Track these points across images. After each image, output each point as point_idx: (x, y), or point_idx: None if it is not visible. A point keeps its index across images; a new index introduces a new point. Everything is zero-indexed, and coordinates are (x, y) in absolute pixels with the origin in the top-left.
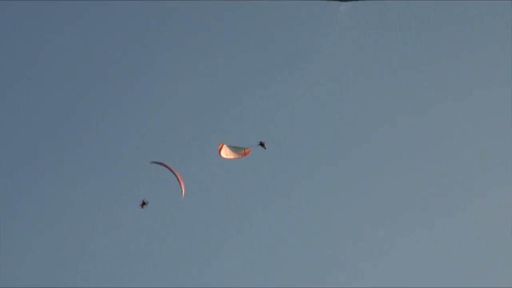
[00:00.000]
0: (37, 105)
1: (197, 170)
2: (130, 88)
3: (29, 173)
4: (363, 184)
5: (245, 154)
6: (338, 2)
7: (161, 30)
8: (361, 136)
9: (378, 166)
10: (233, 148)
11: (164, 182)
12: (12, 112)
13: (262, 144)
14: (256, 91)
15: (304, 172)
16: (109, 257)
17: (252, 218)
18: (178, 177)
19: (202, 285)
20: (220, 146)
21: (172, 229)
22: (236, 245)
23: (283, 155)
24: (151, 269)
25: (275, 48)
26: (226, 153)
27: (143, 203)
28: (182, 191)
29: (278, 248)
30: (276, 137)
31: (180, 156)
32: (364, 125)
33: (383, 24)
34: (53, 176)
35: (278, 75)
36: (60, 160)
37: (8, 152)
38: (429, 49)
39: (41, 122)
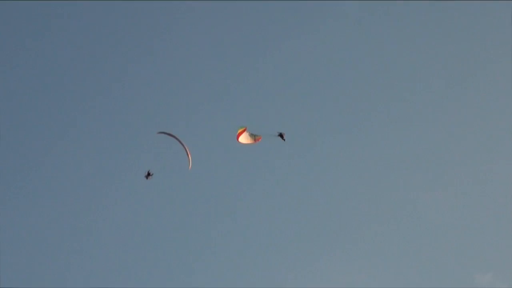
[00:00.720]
0: (36, 83)
1: (205, 144)
2: (139, 63)
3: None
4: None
5: (255, 140)
6: None
7: None
8: (372, 105)
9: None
10: (250, 135)
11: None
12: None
13: (281, 135)
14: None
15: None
16: (113, 227)
17: (255, 193)
18: (186, 148)
19: (203, 258)
20: (242, 130)
21: (177, 202)
22: (238, 219)
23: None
24: (154, 240)
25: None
26: (242, 138)
27: (148, 174)
28: (189, 163)
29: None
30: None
31: (188, 129)
32: (375, 92)
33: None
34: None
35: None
36: (70, 122)
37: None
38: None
39: (43, 96)
